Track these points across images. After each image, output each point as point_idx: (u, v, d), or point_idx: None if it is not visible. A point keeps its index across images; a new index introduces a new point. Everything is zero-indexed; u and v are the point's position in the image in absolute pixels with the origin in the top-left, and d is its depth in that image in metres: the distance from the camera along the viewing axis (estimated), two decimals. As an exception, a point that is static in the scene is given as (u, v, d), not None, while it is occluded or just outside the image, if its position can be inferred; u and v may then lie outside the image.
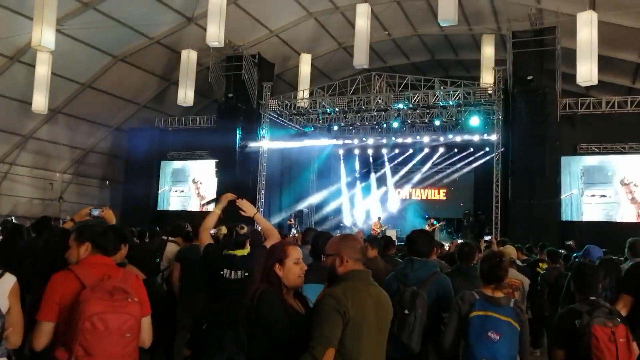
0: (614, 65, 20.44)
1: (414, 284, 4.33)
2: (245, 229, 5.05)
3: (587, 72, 15.23)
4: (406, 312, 4.11)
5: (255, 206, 20.45)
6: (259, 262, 3.70)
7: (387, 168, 27.26)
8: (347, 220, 26.33)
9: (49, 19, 14.58)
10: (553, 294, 7.51)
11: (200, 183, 25.12)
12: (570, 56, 16.94)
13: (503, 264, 4.13)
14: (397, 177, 27.18)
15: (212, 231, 5.54)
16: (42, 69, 17.38)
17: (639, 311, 4.74)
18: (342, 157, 27.70)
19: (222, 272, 4.91)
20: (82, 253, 3.41)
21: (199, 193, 25.13)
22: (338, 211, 26.98)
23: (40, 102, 17.56)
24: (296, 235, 12.09)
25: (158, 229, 10.74)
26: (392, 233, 20.79)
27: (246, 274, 4.92)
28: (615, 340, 3.66)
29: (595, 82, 15.47)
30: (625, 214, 19.12)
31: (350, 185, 27.99)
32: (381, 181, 27.76)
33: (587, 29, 15.29)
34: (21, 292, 3.27)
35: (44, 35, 14.52)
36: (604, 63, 17.55)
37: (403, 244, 9.21)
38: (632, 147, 19.02)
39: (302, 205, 25.86)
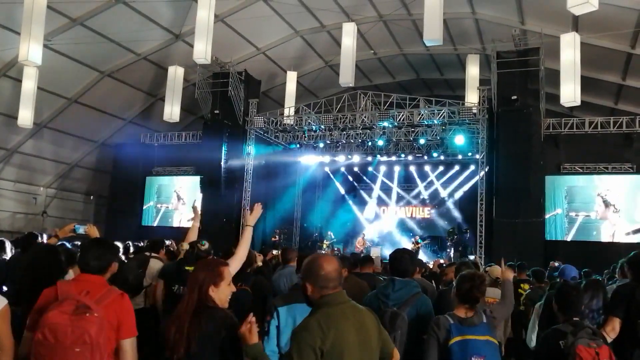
0: (597, 86, 20.68)
1: (395, 305, 4.30)
2: (207, 246, 5.03)
3: (570, 92, 15.39)
4: (386, 332, 4.09)
5: (240, 223, 20.25)
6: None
7: (373, 185, 27.36)
8: (331, 235, 26.31)
9: (37, 34, 14.53)
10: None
11: (184, 200, 24.96)
12: (554, 77, 17.13)
13: (482, 286, 4.08)
14: (383, 194, 27.26)
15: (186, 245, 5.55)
16: (29, 84, 17.33)
17: (628, 333, 4.64)
18: (327, 175, 27.75)
19: (172, 287, 4.89)
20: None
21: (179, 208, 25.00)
22: (323, 228, 26.95)
23: (26, 116, 17.48)
24: (274, 253, 12.00)
25: (142, 244, 10.72)
26: (376, 250, 20.83)
27: None
28: (599, 361, 3.67)
29: (578, 102, 15.68)
30: (608, 234, 19.23)
31: (336, 202, 28.02)
32: (366, 198, 27.84)
33: (570, 50, 15.47)
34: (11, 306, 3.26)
35: (31, 50, 14.45)
36: (587, 84, 17.80)
37: (387, 261, 9.19)
38: (615, 167, 19.17)
39: (287, 222, 25.84)
